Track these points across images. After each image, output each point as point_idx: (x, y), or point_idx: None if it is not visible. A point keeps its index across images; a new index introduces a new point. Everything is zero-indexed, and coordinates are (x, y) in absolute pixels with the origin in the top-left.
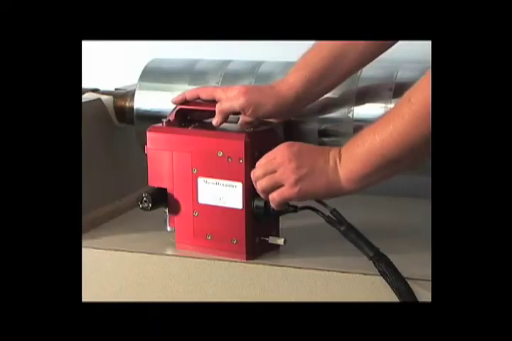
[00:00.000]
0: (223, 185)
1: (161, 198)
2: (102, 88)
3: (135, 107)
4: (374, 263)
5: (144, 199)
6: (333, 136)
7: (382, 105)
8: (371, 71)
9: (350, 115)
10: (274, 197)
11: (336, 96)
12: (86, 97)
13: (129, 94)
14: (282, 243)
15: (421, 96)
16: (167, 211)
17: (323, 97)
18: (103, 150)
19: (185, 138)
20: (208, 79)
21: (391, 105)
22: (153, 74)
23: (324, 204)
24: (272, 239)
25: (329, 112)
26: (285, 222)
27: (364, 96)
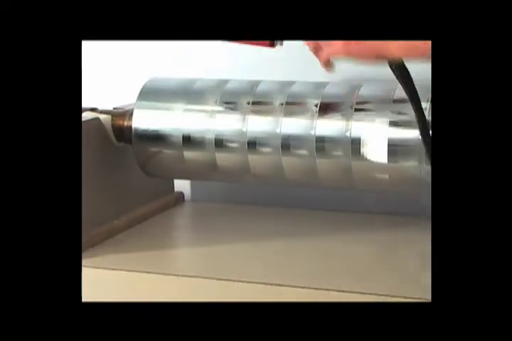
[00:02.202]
0: None
1: None
2: (100, 107)
3: (133, 126)
4: (393, 70)
5: None
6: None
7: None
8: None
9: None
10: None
11: None
12: (84, 116)
13: (127, 113)
14: None
15: None
16: None
17: None
18: (101, 169)
19: None
20: (206, 98)
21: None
22: (151, 94)
23: None
24: None
25: None
26: None
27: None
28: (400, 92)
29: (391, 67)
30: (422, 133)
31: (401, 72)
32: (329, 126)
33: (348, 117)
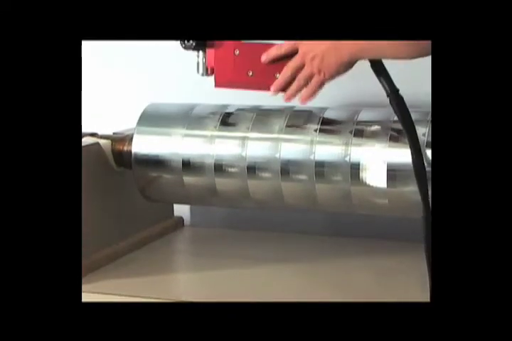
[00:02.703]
0: None
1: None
2: (100, 132)
3: (133, 151)
4: (390, 101)
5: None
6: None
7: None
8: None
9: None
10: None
11: None
12: (84, 141)
13: (127, 139)
14: None
15: None
16: (201, 54)
17: None
18: (101, 194)
19: None
20: (206, 123)
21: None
22: (151, 119)
23: None
24: None
25: None
26: None
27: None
28: None
29: (388, 97)
30: (414, 164)
31: (397, 101)
32: (328, 151)
33: (347, 142)
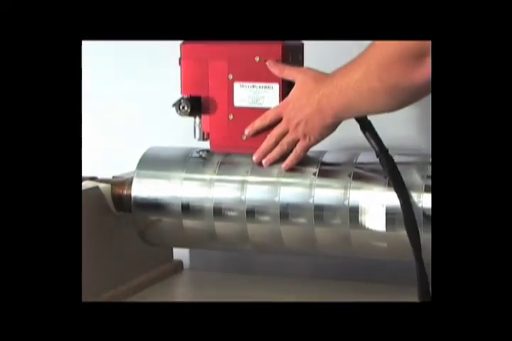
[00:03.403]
0: (260, 87)
1: (196, 105)
2: (100, 176)
3: (132, 195)
4: (380, 160)
5: (182, 105)
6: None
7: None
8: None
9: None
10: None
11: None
12: (84, 185)
13: (127, 182)
14: None
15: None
16: (197, 120)
17: None
18: (100, 238)
19: (222, 47)
20: (205, 167)
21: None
22: (150, 163)
23: None
24: None
25: None
26: None
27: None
28: (397, 162)
29: (377, 156)
30: (407, 226)
31: (387, 161)
32: (327, 195)
33: (346, 186)
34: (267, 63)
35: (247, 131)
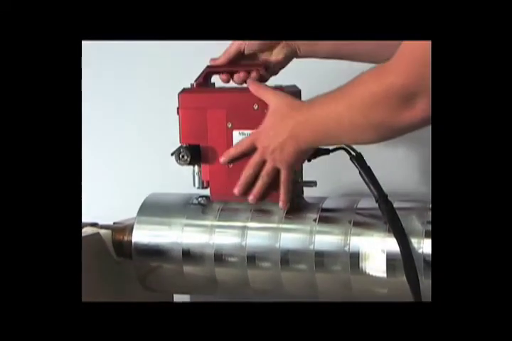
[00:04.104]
0: None
1: (195, 154)
2: (100, 222)
3: (133, 241)
4: (379, 205)
5: (182, 154)
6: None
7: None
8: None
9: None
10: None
11: None
12: (85, 231)
13: (128, 228)
14: (315, 185)
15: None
16: (196, 169)
17: None
18: (101, 283)
19: (220, 95)
20: (206, 213)
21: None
22: (151, 209)
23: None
24: (304, 181)
25: None
26: None
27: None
28: (397, 207)
29: (376, 202)
30: (406, 272)
31: (386, 204)
32: (328, 241)
33: (346, 232)
34: (247, 80)
35: (222, 159)
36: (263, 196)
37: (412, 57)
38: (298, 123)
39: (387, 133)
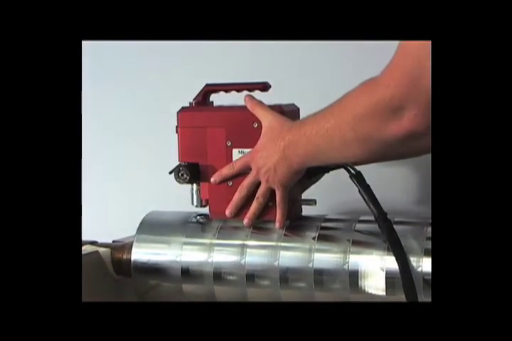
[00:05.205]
0: None
1: (195, 172)
2: (100, 240)
3: (132, 259)
4: (378, 223)
5: (181, 172)
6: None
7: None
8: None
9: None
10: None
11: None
12: (84, 250)
13: (127, 247)
14: (315, 203)
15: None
16: (195, 187)
17: None
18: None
19: (219, 114)
20: (205, 231)
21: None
22: (150, 227)
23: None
24: (304, 200)
25: None
26: None
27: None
28: (396, 225)
29: (376, 220)
30: (404, 287)
31: (385, 222)
32: (327, 259)
33: (345, 250)
34: (244, 97)
35: (213, 179)
36: (258, 217)
37: (403, 71)
38: (289, 143)
39: (377, 147)
